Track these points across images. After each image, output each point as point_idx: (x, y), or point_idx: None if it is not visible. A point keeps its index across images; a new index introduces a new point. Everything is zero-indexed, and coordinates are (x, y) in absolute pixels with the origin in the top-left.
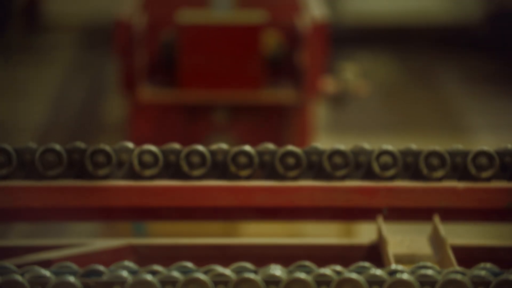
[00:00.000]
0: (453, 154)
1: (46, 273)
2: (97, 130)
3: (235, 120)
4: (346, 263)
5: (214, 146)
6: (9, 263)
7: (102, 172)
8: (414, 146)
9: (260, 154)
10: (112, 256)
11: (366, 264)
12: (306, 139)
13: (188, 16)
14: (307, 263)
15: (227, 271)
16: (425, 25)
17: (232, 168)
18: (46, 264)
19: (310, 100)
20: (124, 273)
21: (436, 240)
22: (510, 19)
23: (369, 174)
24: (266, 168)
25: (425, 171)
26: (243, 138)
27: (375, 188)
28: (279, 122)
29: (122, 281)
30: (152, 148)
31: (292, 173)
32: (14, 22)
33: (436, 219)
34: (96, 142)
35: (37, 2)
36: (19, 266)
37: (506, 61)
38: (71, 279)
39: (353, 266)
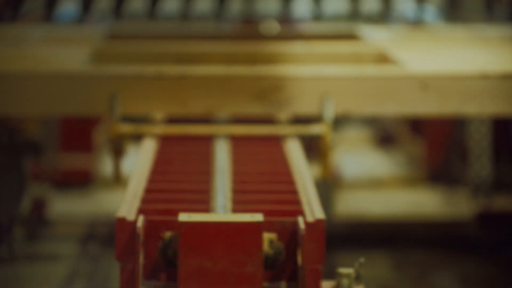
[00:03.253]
0: None
1: None
2: None
3: None
4: None
5: None
6: None
7: None
8: None
9: None
10: None
11: None
12: None
13: (188, 216)
14: None
15: None
16: (419, 225)
17: None
18: None
19: None
20: None
21: None
22: (498, 220)
23: None
24: None
25: None
26: None
27: None
28: None
29: None
30: None
31: None
32: (17, 229)
33: None
34: None
35: (41, 208)
36: None
37: (499, 263)
38: None
39: None
